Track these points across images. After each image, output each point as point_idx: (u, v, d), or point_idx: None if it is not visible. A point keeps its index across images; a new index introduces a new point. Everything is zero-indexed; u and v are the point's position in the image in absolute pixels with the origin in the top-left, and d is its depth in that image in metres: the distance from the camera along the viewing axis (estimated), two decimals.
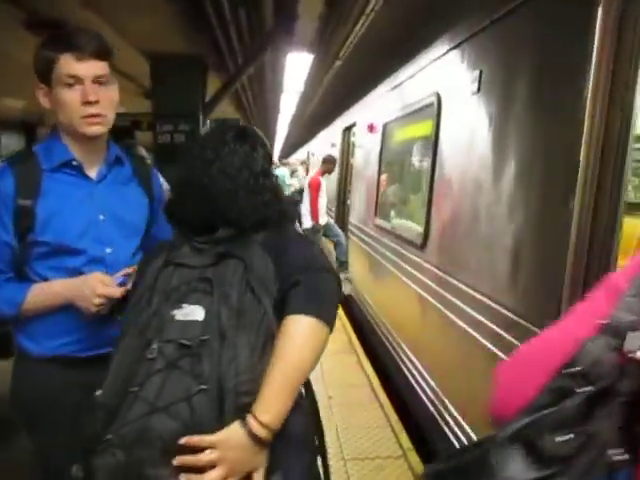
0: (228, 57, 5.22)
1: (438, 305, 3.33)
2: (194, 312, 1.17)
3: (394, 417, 3.77)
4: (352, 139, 8.34)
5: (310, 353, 1.17)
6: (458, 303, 3.00)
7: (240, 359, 1.12)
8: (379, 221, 5.21)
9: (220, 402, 1.09)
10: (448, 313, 3.16)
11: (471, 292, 2.83)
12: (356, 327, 5.90)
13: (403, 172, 4.70)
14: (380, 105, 5.60)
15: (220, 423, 1.09)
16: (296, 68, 7.70)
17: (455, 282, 3.06)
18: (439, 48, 3.61)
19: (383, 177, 5.26)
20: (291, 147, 25.59)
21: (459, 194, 3.13)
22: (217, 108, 8.70)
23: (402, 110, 4.52)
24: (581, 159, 1.96)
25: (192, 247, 1.27)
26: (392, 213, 4.91)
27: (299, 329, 1.16)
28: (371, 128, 5.87)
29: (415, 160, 4.19)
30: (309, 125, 14.92)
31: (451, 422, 3.08)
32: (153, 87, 4.90)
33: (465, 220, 3.02)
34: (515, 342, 2.36)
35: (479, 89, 2.85)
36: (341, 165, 8.35)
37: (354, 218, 6.68)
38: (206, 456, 1.09)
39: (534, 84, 2.37)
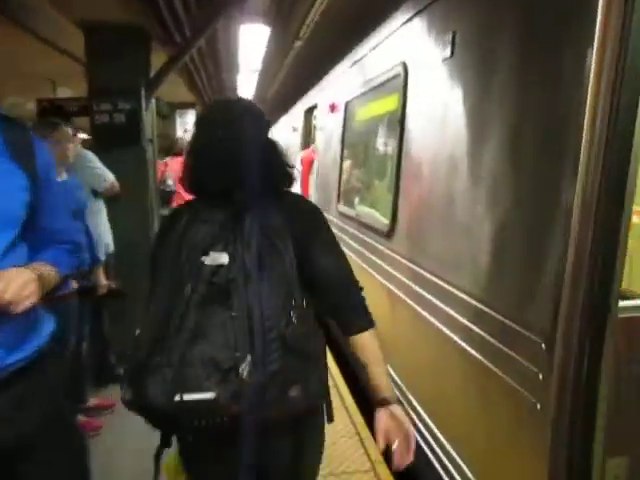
0: (174, 28, 4.72)
1: (405, 298, 2.98)
2: (220, 257, 1.37)
3: (362, 425, 3.41)
4: (313, 122, 7.92)
5: (379, 348, 1.52)
6: (427, 296, 2.65)
7: (264, 294, 1.35)
8: (342, 208, 4.83)
9: (250, 327, 1.32)
10: (416, 306, 2.82)
11: (443, 284, 2.48)
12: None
13: (368, 154, 4.32)
14: (341, 83, 5.19)
15: (251, 345, 1.30)
16: (252, 45, 7.22)
17: (425, 273, 2.71)
18: (404, 14, 3.22)
19: (346, 160, 4.87)
20: None
21: (430, 177, 2.77)
22: (169, 89, 8.17)
23: (365, 86, 4.12)
24: (584, 133, 1.59)
25: (213, 206, 1.45)
26: (356, 199, 4.53)
27: (370, 342, 1.50)
28: (332, 108, 5.46)
29: (380, 140, 3.81)
30: (271, 110, 14.41)
31: (421, 427, 2.75)
32: (88, 61, 4.37)
33: (437, 206, 2.66)
34: (488, 338, 2.02)
35: (452, 53, 2.48)
36: (303, 150, 7.91)
37: (317, 204, 6.28)
38: None
39: (522, 44, 2.00)
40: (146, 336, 1.35)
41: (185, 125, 9.73)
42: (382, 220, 3.56)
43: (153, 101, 4.87)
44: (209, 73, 8.12)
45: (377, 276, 3.51)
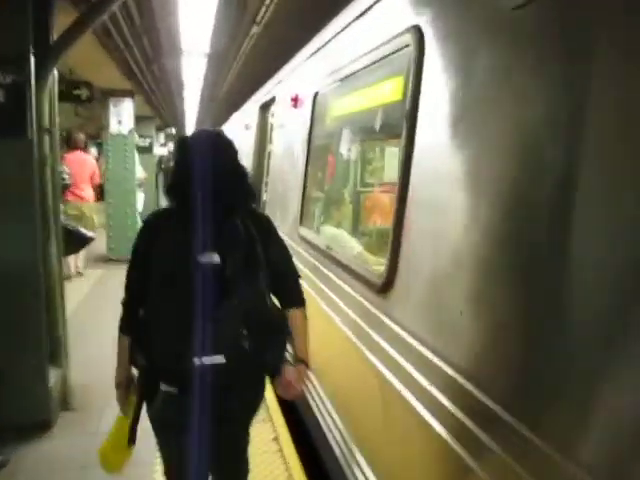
0: None
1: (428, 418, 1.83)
2: (212, 257, 1.83)
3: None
4: (271, 120, 6.74)
5: (305, 324, 2.10)
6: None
7: (252, 286, 1.91)
8: (306, 232, 3.67)
9: (245, 311, 1.89)
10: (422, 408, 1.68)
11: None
12: None
13: (348, 162, 3.19)
14: (309, 70, 4.04)
15: (247, 325, 1.88)
16: (199, 23, 5.99)
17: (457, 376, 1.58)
18: None
19: (313, 169, 3.72)
20: None
21: (457, 199, 1.66)
22: (99, 72, 6.79)
23: (345, 69, 2.98)
24: None
25: (198, 216, 1.82)
26: (328, 224, 3.39)
27: (299, 316, 2.08)
28: (295, 102, 4.29)
29: (370, 144, 2.67)
30: (226, 105, 13.08)
31: None
32: None
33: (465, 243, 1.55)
34: None
35: None
36: (256, 153, 6.71)
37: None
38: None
39: None
40: (170, 325, 1.85)
41: (119, 116, 8.33)
42: (371, 263, 2.43)
43: (55, 76, 3.58)
44: (147, 56, 6.80)
45: (371, 362, 2.30)
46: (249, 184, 2.02)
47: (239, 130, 8.70)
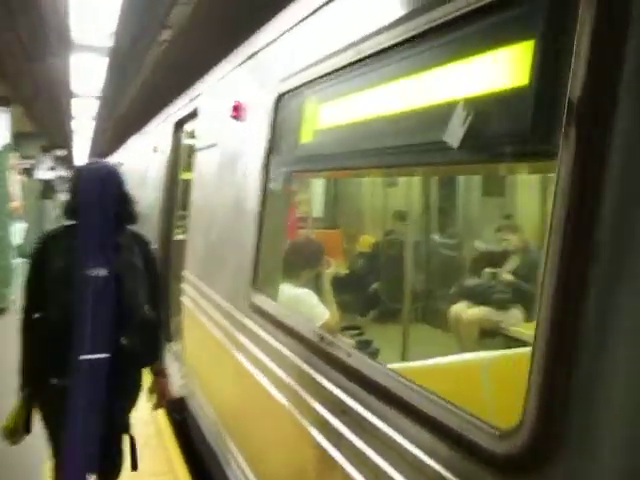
0: None
1: None
2: (99, 271, 2.18)
3: None
4: (188, 140, 5.44)
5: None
6: None
7: (131, 293, 2.31)
8: (263, 301, 2.42)
9: (125, 314, 2.27)
10: None
11: None
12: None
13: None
14: (265, 64, 2.86)
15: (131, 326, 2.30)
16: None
17: None
18: None
19: (275, 205, 2.50)
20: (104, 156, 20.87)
21: None
22: None
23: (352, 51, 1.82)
24: None
25: (89, 235, 2.25)
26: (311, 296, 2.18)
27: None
28: (237, 112, 3.06)
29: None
30: (129, 123, 11.37)
31: None
32: None
33: None
34: None
35: None
36: (169, 182, 5.36)
37: (195, 283, 3.76)
38: None
39: None
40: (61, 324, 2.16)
41: None
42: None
43: None
44: (27, 53, 5.28)
45: None
46: (132, 209, 2.46)
47: (145, 153, 7.25)
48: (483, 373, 2.05)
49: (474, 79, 1.30)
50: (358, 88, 1.85)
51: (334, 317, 2.94)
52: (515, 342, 5.16)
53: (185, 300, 3.96)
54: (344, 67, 1.90)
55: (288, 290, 2.82)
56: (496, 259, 5.31)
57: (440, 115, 1.41)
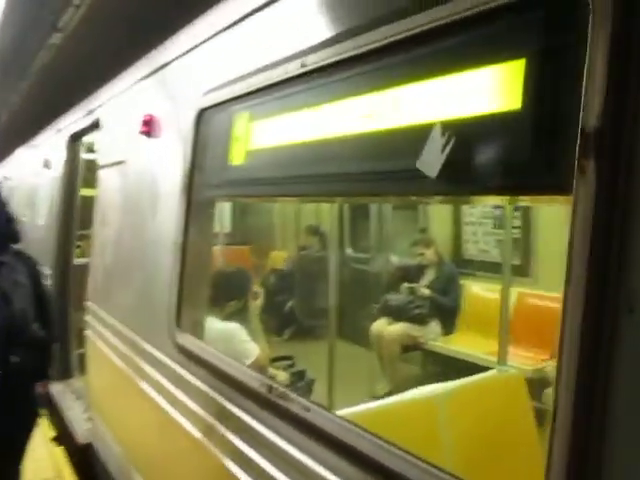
0: None
1: None
2: None
3: None
4: (87, 155, 4.98)
5: None
6: None
7: (24, 308, 2.38)
8: (189, 341, 2.15)
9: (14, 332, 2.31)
10: None
11: None
12: None
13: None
14: (181, 73, 2.60)
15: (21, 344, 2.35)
16: None
17: None
18: None
19: (202, 227, 2.25)
20: None
21: None
22: None
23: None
24: None
25: None
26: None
27: None
28: (149, 126, 2.77)
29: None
30: (16, 135, 10.33)
31: None
32: None
33: None
34: None
35: None
36: (65, 201, 4.86)
37: (102, 317, 3.37)
38: None
39: None
40: None
41: None
42: None
43: None
44: None
45: None
46: (14, 227, 2.53)
47: (35, 167, 6.59)
48: (440, 409, 1.94)
49: (450, 98, 1.16)
50: (301, 105, 1.66)
51: (264, 352, 2.73)
52: (435, 356, 5.21)
53: (90, 335, 3.55)
54: (283, 81, 1.71)
55: (216, 325, 2.57)
56: (412, 273, 5.33)
57: (408, 139, 1.26)
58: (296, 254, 7.00)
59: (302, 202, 5.63)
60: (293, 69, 1.63)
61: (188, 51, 2.47)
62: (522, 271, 4.90)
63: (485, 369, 4.78)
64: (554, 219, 4.39)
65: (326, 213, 7.04)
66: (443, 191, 1.18)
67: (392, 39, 1.29)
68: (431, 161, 1.16)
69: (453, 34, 1.16)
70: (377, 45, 1.34)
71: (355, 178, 1.50)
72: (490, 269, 5.18)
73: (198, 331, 2.26)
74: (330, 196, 1.91)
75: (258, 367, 2.63)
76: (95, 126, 4.03)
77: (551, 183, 0.93)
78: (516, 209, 5.02)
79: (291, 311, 6.57)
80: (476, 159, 1.10)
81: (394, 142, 1.35)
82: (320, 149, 1.60)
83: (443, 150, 1.15)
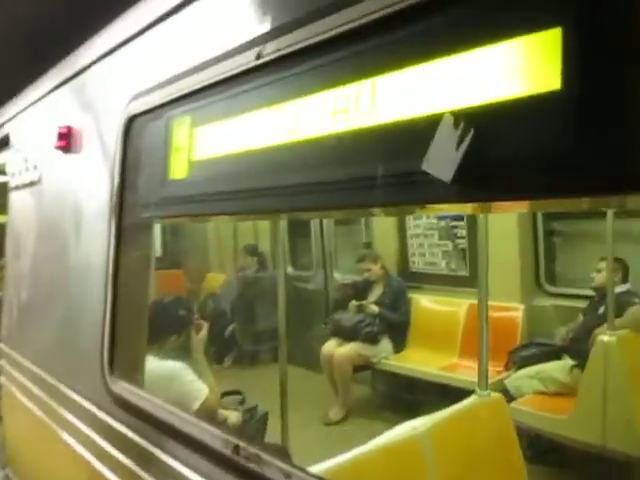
0: None
1: None
2: None
3: None
4: None
5: None
6: None
7: None
8: (127, 390, 1.81)
9: None
10: None
11: None
12: None
13: None
14: (103, 77, 2.27)
15: None
16: None
17: None
18: None
19: (138, 256, 1.92)
20: None
21: None
22: None
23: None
24: None
25: None
26: None
27: None
28: (67, 140, 2.40)
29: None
30: None
31: None
32: None
33: None
34: None
35: None
36: None
37: (18, 361, 2.92)
38: None
39: None
40: None
41: None
42: None
43: None
44: None
45: None
46: None
47: None
48: (425, 446, 1.71)
49: (461, 82, 0.93)
50: (258, 105, 1.39)
51: (213, 392, 2.40)
52: (389, 375, 5.02)
53: (5, 382, 3.07)
54: (235, 77, 1.43)
55: (156, 365, 2.22)
56: (359, 290, 5.13)
57: (407, 134, 1.02)
58: (234, 276, 6.66)
59: (263, 219, 5.29)
60: (246, 61, 1.36)
61: (112, 51, 2.14)
62: (471, 282, 4.80)
63: (440, 385, 4.68)
64: (501, 227, 4.33)
65: (264, 231, 6.77)
66: (460, 198, 0.94)
67: (375, 15, 1.06)
68: (442, 161, 0.93)
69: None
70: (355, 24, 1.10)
71: (334, 187, 1.24)
72: (438, 281, 5.07)
73: (137, 376, 1.91)
74: (301, 211, 1.63)
75: (209, 409, 2.30)
76: (4, 143, 3.57)
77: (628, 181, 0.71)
78: (459, 218, 4.95)
79: (231, 337, 6.22)
80: (503, 156, 0.88)
81: (382, 141, 1.10)
82: (283, 155, 1.33)
83: (458, 146, 0.91)
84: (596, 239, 4.26)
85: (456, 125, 0.92)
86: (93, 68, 2.34)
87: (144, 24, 1.93)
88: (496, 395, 2.19)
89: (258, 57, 1.33)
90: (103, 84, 2.28)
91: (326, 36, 1.17)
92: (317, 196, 1.27)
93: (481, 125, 0.90)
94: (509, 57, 0.88)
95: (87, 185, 2.25)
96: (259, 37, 1.33)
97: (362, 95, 1.12)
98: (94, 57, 2.31)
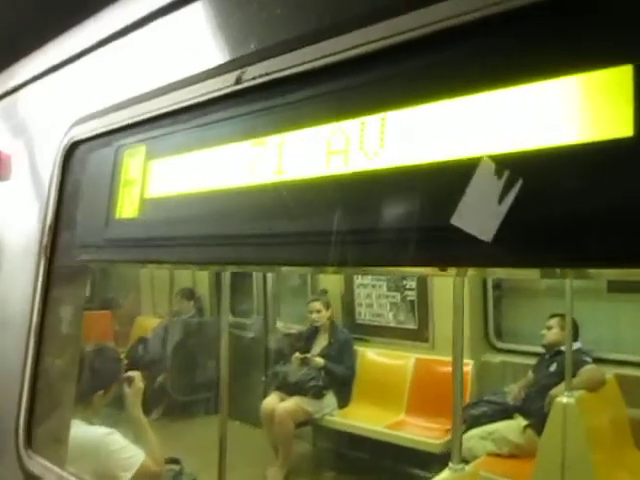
0: None
1: None
2: None
3: None
4: None
5: None
6: None
7: None
8: (42, 467, 1.49)
9: None
10: None
11: None
12: None
13: None
14: (39, 98, 2.00)
15: None
16: None
17: None
18: None
19: (70, 306, 1.64)
20: None
21: None
22: None
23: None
24: None
25: None
26: None
27: None
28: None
29: None
30: None
31: None
32: None
33: None
34: None
35: None
36: None
37: None
38: None
39: None
40: None
41: None
42: None
43: None
44: None
45: None
46: None
47: None
48: None
49: (505, 122, 0.77)
50: (232, 136, 1.18)
51: (154, 453, 2.09)
52: (332, 432, 4.76)
53: None
54: (202, 104, 1.22)
55: (80, 431, 1.89)
56: (303, 341, 4.89)
57: (417, 179, 0.84)
58: (168, 320, 6.25)
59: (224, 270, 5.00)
60: (223, 86, 1.16)
61: (54, 69, 1.88)
62: (419, 336, 4.67)
63: (387, 444, 4.44)
64: (449, 280, 4.25)
65: (201, 273, 6.43)
66: (500, 261, 0.77)
67: (385, 41, 0.89)
68: (481, 216, 0.75)
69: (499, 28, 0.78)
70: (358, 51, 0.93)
71: (315, 240, 1.03)
72: (385, 334, 4.91)
73: (60, 451, 1.59)
74: (273, 264, 1.39)
75: (147, 476, 1.99)
76: None
77: None
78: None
79: (161, 386, 5.77)
80: (550, 212, 0.71)
81: (385, 187, 0.92)
82: (255, 197, 1.13)
83: (502, 199, 0.74)
84: (545, 294, 4.25)
85: (499, 173, 0.76)
86: (30, 87, 2.07)
87: (93, 41, 1.70)
88: (470, 469, 1.99)
89: (238, 82, 1.13)
90: (40, 104, 2.01)
91: (321, 62, 1.00)
92: (293, 249, 1.07)
93: (531, 174, 0.73)
94: (567, 97, 0.73)
95: (14, 219, 1.94)
96: (240, 58, 1.13)
97: (369, 133, 0.94)
98: (30, 75, 2.05)
